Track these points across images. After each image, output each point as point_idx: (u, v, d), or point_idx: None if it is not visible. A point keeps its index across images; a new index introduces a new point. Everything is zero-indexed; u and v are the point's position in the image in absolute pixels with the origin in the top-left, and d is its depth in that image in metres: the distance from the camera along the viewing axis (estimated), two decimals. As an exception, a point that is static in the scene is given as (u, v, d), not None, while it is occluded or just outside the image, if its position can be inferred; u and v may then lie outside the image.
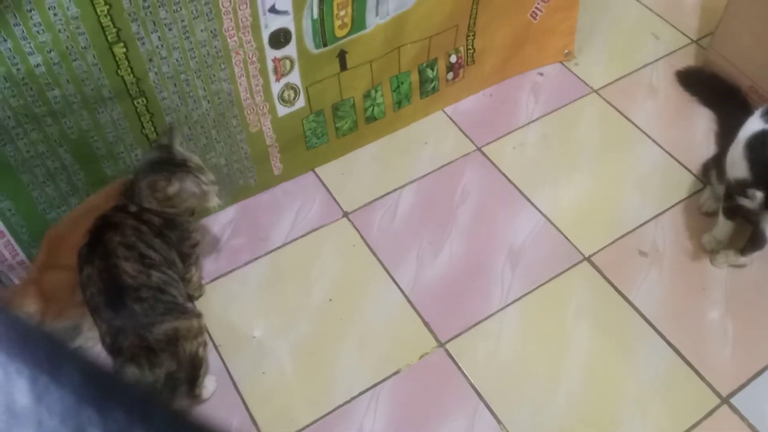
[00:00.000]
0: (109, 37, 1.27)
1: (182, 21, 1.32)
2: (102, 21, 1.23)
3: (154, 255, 1.34)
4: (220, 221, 1.76)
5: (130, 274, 1.28)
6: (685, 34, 2.21)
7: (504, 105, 2.03)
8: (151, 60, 1.35)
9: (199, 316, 1.39)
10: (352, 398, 1.48)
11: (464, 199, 1.81)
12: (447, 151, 1.92)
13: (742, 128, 1.55)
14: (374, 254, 1.70)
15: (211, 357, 1.52)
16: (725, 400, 1.47)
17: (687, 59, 2.13)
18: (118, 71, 1.33)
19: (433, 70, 1.89)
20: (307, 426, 1.44)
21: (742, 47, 1.92)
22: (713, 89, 1.98)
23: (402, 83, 1.86)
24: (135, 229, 1.33)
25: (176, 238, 1.41)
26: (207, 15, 1.34)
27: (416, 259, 1.69)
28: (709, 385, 1.49)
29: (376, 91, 1.82)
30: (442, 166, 1.88)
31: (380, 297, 1.63)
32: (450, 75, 1.95)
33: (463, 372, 1.51)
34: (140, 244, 1.32)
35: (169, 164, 1.34)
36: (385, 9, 1.62)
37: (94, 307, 1.29)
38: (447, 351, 1.54)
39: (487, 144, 1.93)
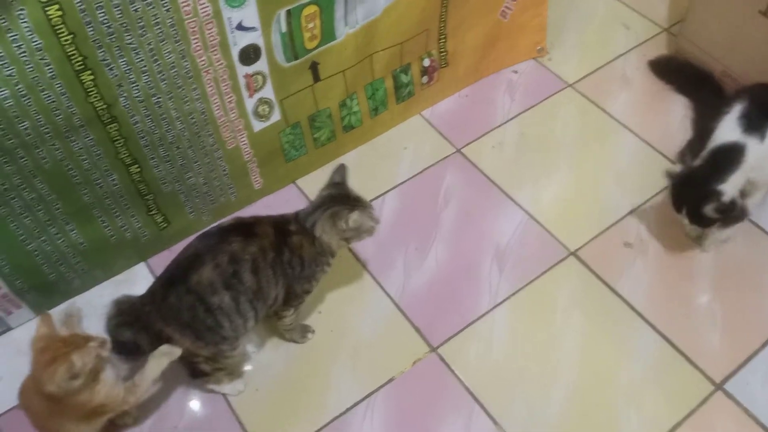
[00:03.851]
0: (75, 66, 1.25)
1: (149, 44, 1.31)
2: (67, 50, 1.22)
3: (250, 281, 1.31)
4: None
5: (202, 277, 1.27)
6: (655, 23, 2.22)
7: (480, 105, 2.03)
8: (120, 85, 1.34)
9: (221, 353, 1.36)
10: (347, 409, 1.47)
11: (447, 201, 1.81)
12: (427, 155, 1.92)
13: (720, 123, 1.57)
14: (361, 263, 1.69)
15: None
16: (719, 387, 1.47)
17: (659, 48, 2.14)
18: (88, 99, 1.32)
19: (407, 74, 1.89)
20: (304, 440, 1.43)
21: (712, 32, 1.93)
22: (686, 76, 2.00)
23: (377, 90, 1.85)
24: (261, 250, 1.32)
25: (301, 276, 1.40)
26: (174, 37, 1.33)
27: (403, 265, 1.69)
28: (702, 372, 1.49)
29: (352, 100, 1.81)
30: (423, 170, 1.88)
31: (369, 306, 1.63)
32: (425, 78, 1.94)
33: (456, 375, 1.51)
34: (246, 265, 1.30)
35: (347, 199, 1.42)
36: (354, 18, 1.62)
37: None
38: (439, 355, 1.54)
39: (467, 145, 1.93)
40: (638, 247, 1.70)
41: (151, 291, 1.33)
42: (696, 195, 1.52)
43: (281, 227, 1.38)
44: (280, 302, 1.41)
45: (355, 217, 1.38)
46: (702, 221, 1.54)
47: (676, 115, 1.96)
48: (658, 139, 1.90)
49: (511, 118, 1.99)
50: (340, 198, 1.42)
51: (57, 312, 1.34)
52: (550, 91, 2.05)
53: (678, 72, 2.03)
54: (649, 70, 2.08)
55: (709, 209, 1.48)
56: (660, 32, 2.20)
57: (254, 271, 1.31)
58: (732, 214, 1.52)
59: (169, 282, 1.30)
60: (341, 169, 1.48)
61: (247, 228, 1.35)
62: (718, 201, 1.49)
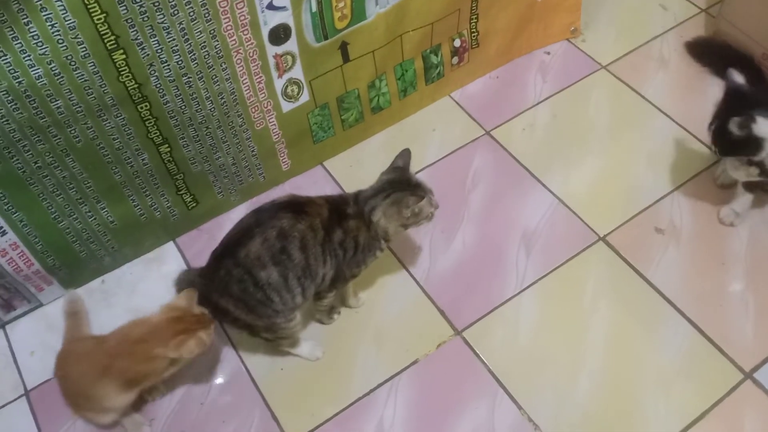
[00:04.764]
0: (108, 45, 1.26)
1: (180, 24, 1.31)
2: (99, 29, 1.23)
3: (299, 258, 1.30)
4: (232, 219, 1.75)
5: (249, 251, 1.28)
6: (693, 3, 2.16)
7: (511, 86, 2.00)
8: (151, 65, 1.34)
9: (276, 326, 1.38)
10: (371, 390, 1.48)
11: (475, 184, 1.80)
12: (455, 137, 1.90)
13: None
14: (387, 245, 1.69)
15: (230, 356, 1.54)
16: (748, 375, 1.45)
17: (697, 29, 2.09)
18: (120, 78, 1.33)
19: (437, 55, 1.87)
20: (328, 420, 1.45)
21: (753, 14, 1.87)
22: (725, 59, 1.93)
23: (406, 71, 1.84)
24: (310, 228, 1.31)
25: (352, 260, 1.40)
26: (205, 16, 1.33)
27: (429, 247, 1.69)
28: (731, 360, 1.47)
29: (381, 81, 1.80)
30: (452, 152, 1.87)
31: (395, 288, 1.63)
32: (455, 59, 1.92)
33: (481, 359, 1.51)
34: (295, 241, 1.29)
35: (408, 185, 1.40)
36: (385, -3, 1.61)
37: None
38: (464, 339, 1.54)
39: (496, 127, 1.91)
40: (670, 233, 1.67)
41: (207, 264, 1.36)
42: (734, 110, 1.46)
43: (338, 208, 1.37)
44: (327, 283, 1.41)
45: (422, 204, 1.37)
46: (723, 140, 1.48)
47: (713, 98, 1.90)
48: (694, 123, 1.86)
49: (543, 100, 1.96)
50: (401, 183, 1.40)
51: (82, 291, 1.37)
52: (583, 72, 2.01)
53: (716, 54, 1.97)
54: (686, 52, 2.03)
55: (733, 123, 1.43)
56: (698, 13, 2.14)
57: (303, 248, 1.30)
58: (747, 151, 1.44)
59: (220, 255, 1.32)
60: (404, 154, 1.45)
61: (299, 205, 1.34)
62: (745, 123, 1.42)
